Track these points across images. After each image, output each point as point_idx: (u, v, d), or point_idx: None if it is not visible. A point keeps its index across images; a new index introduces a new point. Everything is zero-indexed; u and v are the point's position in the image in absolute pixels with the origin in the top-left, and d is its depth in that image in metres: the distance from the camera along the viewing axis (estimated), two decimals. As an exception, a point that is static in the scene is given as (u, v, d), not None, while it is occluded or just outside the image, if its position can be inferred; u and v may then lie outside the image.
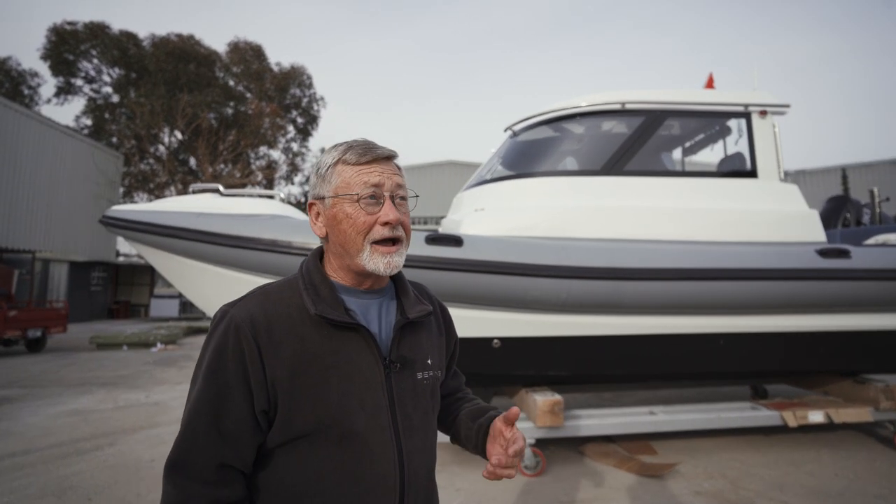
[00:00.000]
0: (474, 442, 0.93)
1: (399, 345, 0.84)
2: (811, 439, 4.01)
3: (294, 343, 0.77)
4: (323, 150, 0.97)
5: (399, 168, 0.86)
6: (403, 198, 0.84)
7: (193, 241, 3.20)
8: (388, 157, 0.84)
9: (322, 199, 0.84)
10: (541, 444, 3.41)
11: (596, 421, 3.51)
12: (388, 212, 0.80)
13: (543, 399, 3.29)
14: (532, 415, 3.38)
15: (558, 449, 3.78)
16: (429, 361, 0.88)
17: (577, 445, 3.83)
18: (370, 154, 0.82)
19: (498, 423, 0.87)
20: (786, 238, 3.58)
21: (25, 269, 11.62)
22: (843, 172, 18.28)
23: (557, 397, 3.33)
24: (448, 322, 1.01)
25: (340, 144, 0.85)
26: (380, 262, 0.80)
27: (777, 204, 3.72)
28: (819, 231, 3.67)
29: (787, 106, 3.89)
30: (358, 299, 0.84)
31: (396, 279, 0.92)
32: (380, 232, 0.80)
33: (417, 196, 0.88)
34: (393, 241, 0.81)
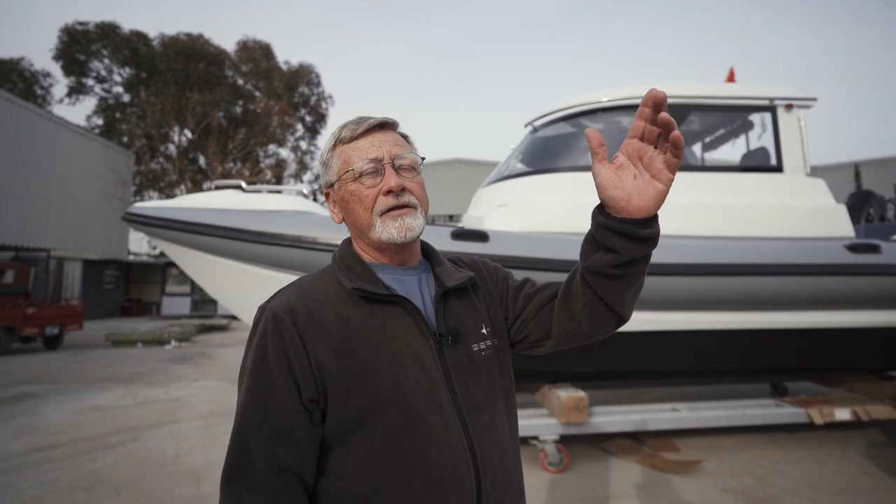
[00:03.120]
0: (607, 235, 0.69)
1: (445, 317, 0.79)
2: (836, 437, 3.96)
3: (337, 324, 0.73)
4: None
5: (402, 136, 0.83)
6: (410, 167, 0.79)
7: (217, 237, 3.21)
8: (383, 126, 0.80)
9: (331, 185, 0.83)
10: (564, 440, 3.40)
11: (619, 417, 3.49)
12: (388, 180, 0.76)
13: (568, 395, 3.28)
14: (556, 412, 3.36)
15: (581, 445, 3.76)
16: (483, 331, 0.82)
17: (599, 442, 3.82)
18: (363, 125, 0.79)
19: (603, 171, 0.65)
20: (813, 233, 3.53)
21: (41, 268, 11.76)
22: (856, 169, 18.01)
23: (582, 394, 3.31)
24: (491, 271, 0.91)
25: (333, 132, 0.84)
26: (392, 229, 0.76)
27: (804, 199, 3.66)
28: (847, 226, 3.62)
29: (814, 99, 3.83)
30: (395, 276, 0.80)
31: (429, 253, 0.87)
32: (384, 202, 0.76)
33: (424, 158, 0.83)
34: (400, 207, 0.77)
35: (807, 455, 3.59)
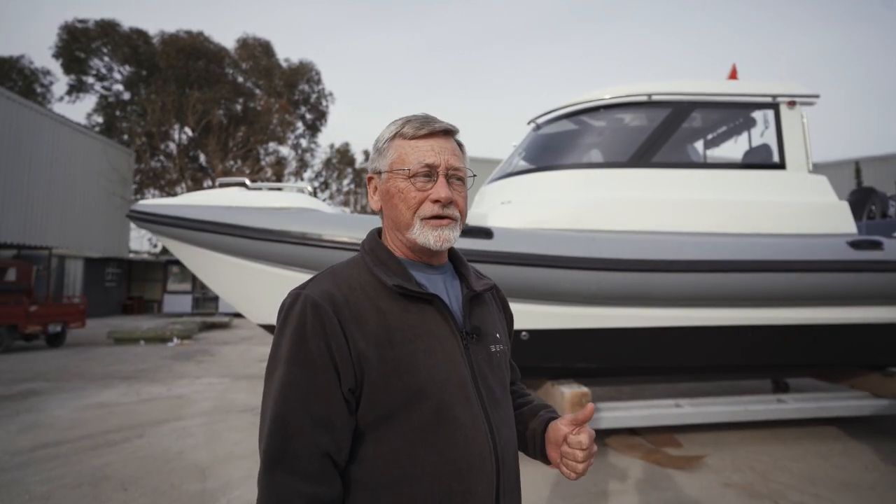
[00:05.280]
0: (530, 446, 0.90)
1: (471, 317, 0.83)
2: (837, 432, 3.98)
3: (375, 316, 0.75)
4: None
5: (459, 145, 0.85)
6: (460, 178, 0.82)
7: (222, 234, 3.22)
8: (447, 132, 0.83)
9: (379, 173, 0.84)
10: (567, 436, 3.42)
11: (622, 413, 3.51)
12: (439, 189, 0.78)
13: (571, 391, 3.30)
14: (559, 407, 3.38)
15: (583, 441, 3.78)
16: (497, 335, 0.88)
17: (602, 438, 3.84)
18: (427, 127, 0.81)
19: (562, 427, 0.83)
20: (816, 230, 3.54)
21: (42, 266, 11.77)
22: (857, 166, 18.02)
23: (585, 389, 3.33)
24: (504, 301, 1.01)
25: (397, 120, 0.84)
26: (430, 236, 0.78)
27: (807, 195, 3.68)
28: (850, 223, 3.63)
29: (817, 96, 3.84)
30: (424, 273, 0.83)
31: (455, 258, 0.91)
32: (430, 209, 0.78)
33: (475, 175, 0.88)
34: (443, 218, 0.80)
35: (808, 450, 3.61)
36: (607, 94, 3.92)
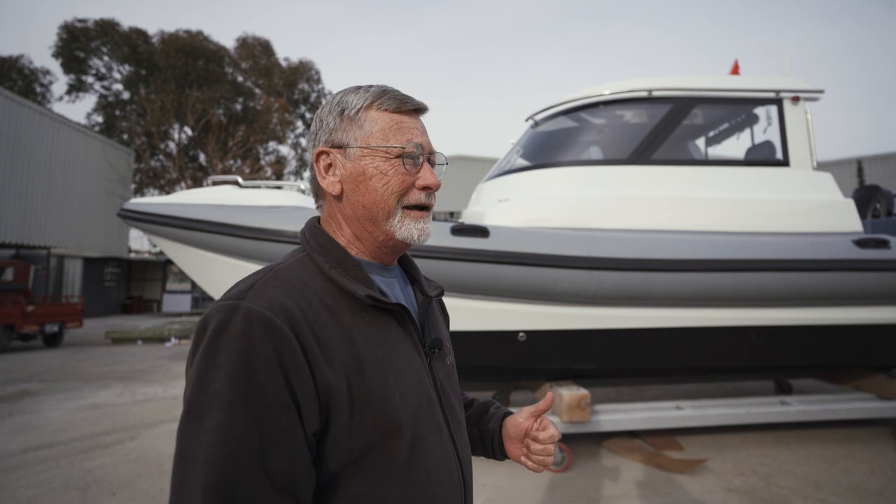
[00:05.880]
0: (487, 447, 0.87)
1: (429, 327, 0.74)
2: (842, 436, 3.90)
3: (341, 336, 0.60)
4: (328, 95, 0.77)
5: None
6: (439, 164, 0.74)
7: (213, 233, 3.16)
8: (422, 112, 0.73)
9: (343, 147, 0.68)
10: (566, 439, 3.35)
11: (622, 416, 3.44)
12: (428, 175, 0.68)
13: (570, 394, 3.23)
14: (558, 410, 3.31)
15: (582, 444, 3.71)
16: (448, 345, 0.80)
17: (601, 440, 3.77)
18: (411, 102, 0.70)
19: (522, 421, 0.82)
20: (821, 228, 3.47)
21: (41, 265, 11.75)
22: (859, 164, 17.89)
23: (584, 391, 3.26)
24: (443, 304, 0.91)
25: (365, 87, 0.70)
26: (413, 229, 0.68)
27: (811, 193, 3.60)
28: (855, 221, 3.55)
29: (821, 91, 3.76)
30: (381, 277, 0.71)
31: (402, 258, 0.81)
32: (416, 196, 0.68)
33: (447, 164, 0.77)
34: (426, 209, 0.70)
35: (813, 453, 3.54)
36: (607, 90, 3.84)
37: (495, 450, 0.86)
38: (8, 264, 9.69)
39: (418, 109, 0.71)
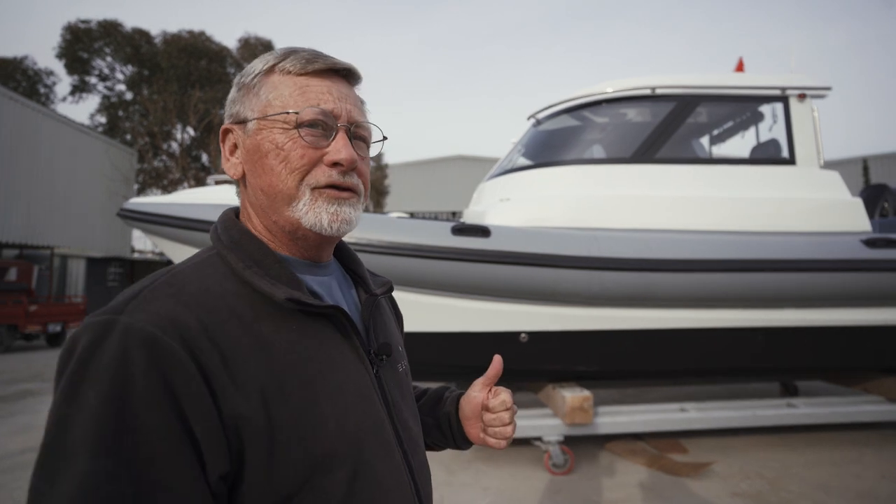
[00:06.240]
0: (447, 435, 0.77)
1: (375, 331, 0.63)
2: (851, 439, 3.84)
3: (256, 353, 0.48)
4: None
5: (361, 101, 0.62)
6: (364, 140, 0.60)
7: None
8: (347, 73, 0.60)
9: (242, 122, 0.57)
10: (568, 441, 3.31)
11: (626, 418, 3.39)
12: (340, 147, 0.55)
13: (573, 395, 3.18)
14: (560, 411, 3.26)
15: (585, 446, 3.66)
16: (400, 348, 0.69)
17: (604, 443, 3.72)
18: (321, 61, 0.57)
19: (476, 395, 0.73)
20: (828, 227, 3.41)
21: (44, 265, 11.78)
22: (865, 163, 17.75)
23: (587, 393, 3.21)
24: (394, 301, 0.79)
25: (278, 49, 0.59)
26: (323, 214, 0.54)
27: (818, 192, 3.54)
28: (864, 220, 3.49)
29: (829, 88, 3.70)
30: (312, 276, 0.59)
31: (341, 251, 0.68)
32: (326, 174, 0.55)
33: (386, 139, 0.64)
34: (343, 189, 0.56)
35: (821, 457, 3.48)
36: (610, 88, 3.79)
37: (455, 436, 0.76)
38: (11, 264, 9.73)
39: (334, 70, 0.58)
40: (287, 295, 0.51)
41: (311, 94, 0.56)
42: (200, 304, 0.48)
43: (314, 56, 0.57)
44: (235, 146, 0.59)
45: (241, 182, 0.60)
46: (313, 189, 0.55)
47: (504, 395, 0.72)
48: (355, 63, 0.61)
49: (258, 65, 0.58)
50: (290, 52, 0.58)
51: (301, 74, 0.57)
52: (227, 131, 0.59)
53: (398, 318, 0.79)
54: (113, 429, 0.40)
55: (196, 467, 0.43)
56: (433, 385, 0.88)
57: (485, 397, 0.73)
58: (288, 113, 0.55)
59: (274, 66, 0.57)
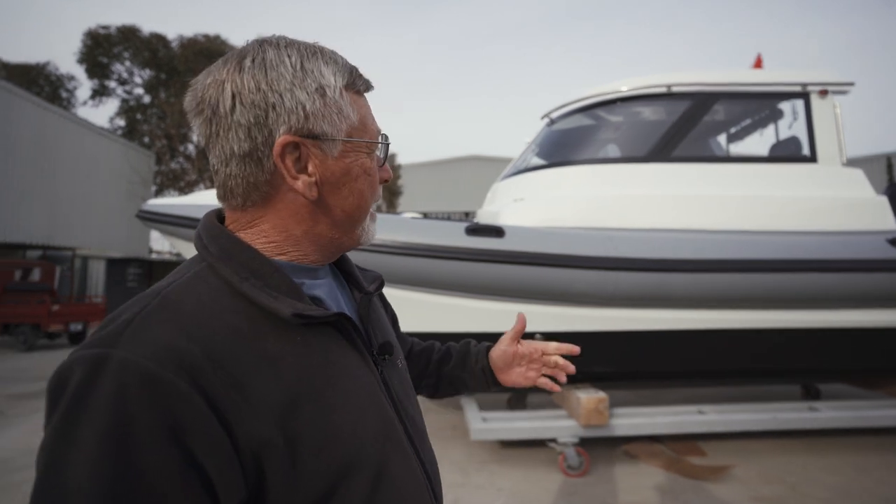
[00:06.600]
0: (481, 384, 0.87)
1: (374, 330, 0.63)
2: (875, 444, 3.73)
3: (265, 371, 0.46)
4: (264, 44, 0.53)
5: None
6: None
7: None
8: None
9: (322, 139, 0.52)
10: (584, 443, 3.28)
11: (642, 420, 3.35)
12: (387, 167, 0.59)
13: (588, 397, 3.15)
14: (576, 413, 3.24)
15: (601, 448, 3.63)
16: (396, 344, 0.69)
17: (620, 445, 3.68)
18: (369, 81, 0.58)
19: (506, 349, 0.84)
20: (852, 226, 3.32)
21: (66, 266, 12.08)
22: (889, 161, 17.28)
23: (602, 395, 3.18)
24: (384, 296, 0.80)
25: (325, 54, 0.54)
26: (371, 231, 0.60)
27: (840, 190, 3.45)
28: (889, 218, 3.40)
29: (851, 84, 3.61)
30: (311, 280, 0.57)
31: None
32: (378, 193, 0.59)
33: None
34: None
35: (844, 461, 3.39)
36: (624, 87, 3.76)
37: (490, 383, 0.87)
38: (35, 265, 10.00)
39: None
40: (292, 310, 0.49)
41: (374, 116, 0.58)
42: (199, 327, 0.45)
43: (360, 73, 0.57)
44: (299, 159, 0.52)
45: (272, 197, 0.53)
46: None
47: (550, 346, 0.85)
48: (367, 62, 0.62)
49: (334, 78, 0.53)
50: (354, 70, 0.56)
51: (364, 93, 0.58)
52: (289, 144, 0.51)
53: (387, 309, 0.79)
54: (112, 472, 0.37)
55: (210, 498, 0.41)
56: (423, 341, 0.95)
57: (515, 350, 0.84)
58: (378, 142, 0.57)
59: (348, 83, 0.54)
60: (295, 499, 0.46)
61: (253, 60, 0.51)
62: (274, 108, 0.50)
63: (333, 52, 0.56)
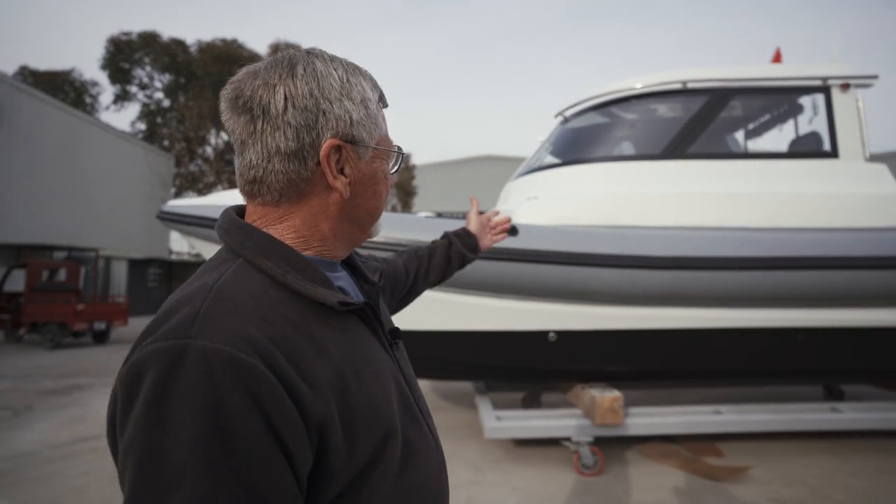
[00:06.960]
0: (469, 258, 1.22)
1: (383, 316, 0.69)
2: (901, 445, 3.64)
3: (317, 354, 0.51)
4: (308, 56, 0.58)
5: None
6: None
7: None
8: None
9: (356, 144, 0.58)
10: (598, 442, 3.26)
11: (658, 419, 3.32)
12: (394, 176, 0.68)
13: (602, 396, 3.14)
14: (590, 412, 3.23)
15: (616, 448, 3.60)
16: (396, 325, 0.75)
17: (634, 444, 3.65)
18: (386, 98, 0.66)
19: (477, 221, 1.26)
20: (876, 223, 3.24)
21: (90, 266, 12.42)
22: (917, 156, 16.79)
23: (617, 394, 3.16)
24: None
25: (362, 71, 0.61)
26: (379, 227, 0.68)
27: (863, 186, 3.37)
28: (915, 215, 3.30)
29: (875, 77, 3.52)
30: (332, 273, 0.63)
31: None
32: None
33: None
34: None
35: (867, 464, 3.31)
36: (639, 84, 3.72)
37: (475, 251, 1.23)
38: (61, 265, 10.32)
39: None
40: (338, 299, 0.55)
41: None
42: (260, 316, 0.49)
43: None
44: (337, 161, 0.57)
45: (306, 195, 0.58)
46: None
47: (489, 213, 1.29)
48: (382, 62, 0.68)
49: (371, 92, 0.61)
50: (375, 83, 0.63)
51: (385, 107, 0.65)
52: (332, 146, 0.56)
53: (377, 275, 0.88)
54: (213, 448, 0.41)
55: (290, 475, 0.45)
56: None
57: (482, 219, 1.27)
58: (401, 152, 0.65)
59: (380, 97, 0.63)
60: (350, 464, 0.51)
61: (304, 69, 0.56)
62: (324, 113, 0.56)
63: (366, 70, 0.63)
